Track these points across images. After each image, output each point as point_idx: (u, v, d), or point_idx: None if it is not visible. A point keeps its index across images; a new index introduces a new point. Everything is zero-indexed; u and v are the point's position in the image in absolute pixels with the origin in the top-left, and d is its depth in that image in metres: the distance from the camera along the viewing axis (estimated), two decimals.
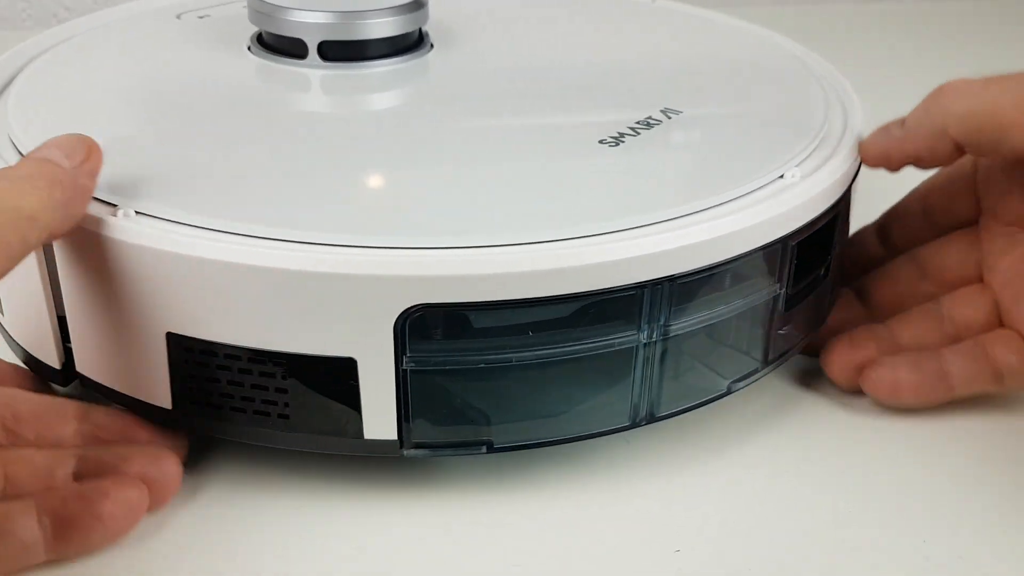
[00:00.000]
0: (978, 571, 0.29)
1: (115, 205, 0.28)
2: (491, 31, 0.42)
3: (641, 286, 0.28)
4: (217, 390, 0.29)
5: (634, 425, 0.30)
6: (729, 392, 0.32)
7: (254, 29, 0.39)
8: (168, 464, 0.29)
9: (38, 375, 0.32)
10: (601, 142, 0.32)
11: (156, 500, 0.29)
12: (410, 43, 0.38)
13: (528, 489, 0.31)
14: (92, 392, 0.31)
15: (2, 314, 0.33)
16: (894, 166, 0.34)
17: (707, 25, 0.44)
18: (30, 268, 0.30)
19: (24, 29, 0.72)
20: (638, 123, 0.33)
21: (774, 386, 0.35)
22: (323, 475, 0.31)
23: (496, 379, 0.28)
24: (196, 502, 0.30)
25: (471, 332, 0.27)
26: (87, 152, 0.28)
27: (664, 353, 0.29)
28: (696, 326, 0.30)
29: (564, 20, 0.44)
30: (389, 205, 0.29)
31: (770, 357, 0.33)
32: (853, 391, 0.35)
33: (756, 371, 0.32)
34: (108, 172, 0.29)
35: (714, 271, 0.29)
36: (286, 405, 0.28)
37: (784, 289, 0.32)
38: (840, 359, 0.35)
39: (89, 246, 0.28)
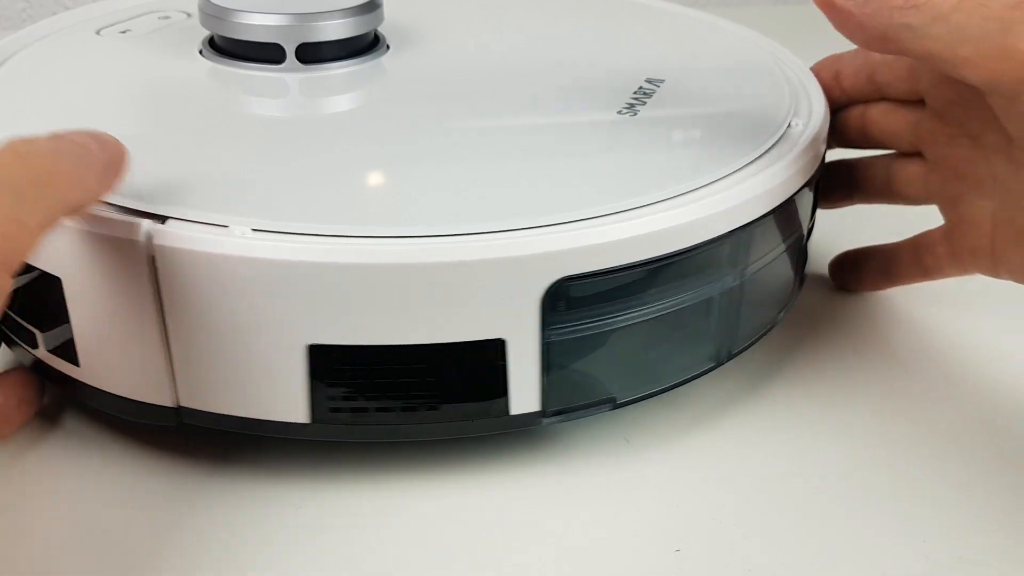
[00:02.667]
0: (978, 571, 0.29)
1: (223, 226, 0.28)
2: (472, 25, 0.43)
3: (735, 232, 0.31)
4: (363, 394, 0.29)
5: (717, 365, 0.33)
6: (776, 324, 0.35)
7: (182, 38, 0.39)
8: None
9: (137, 421, 0.31)
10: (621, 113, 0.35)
11: None
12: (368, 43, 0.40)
13: (528, 489, 0.31)
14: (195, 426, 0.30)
15: (76, 365, 0.31)
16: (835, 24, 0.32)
17: (672, 19, 0.46)
18: (134, 303, 0.29)
19: (24, 29, 0.71)
20: (642, 93, 0.36)
21: (774, 386, 0.36)
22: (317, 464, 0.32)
23: (618, 338, 0.30)
24: (200, 498, 0.30)
25: (602, 296, 0.29)
26: (116, 155, 0.28)
27: (741, 294, 0.32)
28: (761, 266, 0.33)
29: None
30: (506, 190, 0.30)
31: (801, 283, 0.36)
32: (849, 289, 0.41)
33: (792, 298, 0.36)
34: (171, 193, 0.29)
35: (775, 215, 0.32)
36: (435, 396, 0.29)
37: (811, 224, 0.36)
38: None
39: (203, 271, 0.28)
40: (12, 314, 0.33)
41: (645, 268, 0.29)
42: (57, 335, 0.31)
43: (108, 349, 0.30)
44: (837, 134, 0.38)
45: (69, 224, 0.29)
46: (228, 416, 0.30)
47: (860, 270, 0.40)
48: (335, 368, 0.29)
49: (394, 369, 0.29)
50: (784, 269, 0.35)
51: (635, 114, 0.35)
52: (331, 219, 0.28)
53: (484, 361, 0.29)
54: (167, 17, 0.43)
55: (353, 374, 0.29)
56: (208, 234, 0.28)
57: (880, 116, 0.37)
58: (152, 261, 0.28)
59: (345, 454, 0.32)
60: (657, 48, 0.41)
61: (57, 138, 0.27)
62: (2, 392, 0.33)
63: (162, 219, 0.28)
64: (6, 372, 0.34)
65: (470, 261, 0.28)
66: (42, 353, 0.32)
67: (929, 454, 0.33)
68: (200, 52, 0.39)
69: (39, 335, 0.32)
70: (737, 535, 0.30)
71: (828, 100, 0.37)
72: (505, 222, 0.28)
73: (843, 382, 0.36)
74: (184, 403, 0.30)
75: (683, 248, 0.29)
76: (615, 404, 0.31)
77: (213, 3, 0.37)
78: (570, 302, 0.29)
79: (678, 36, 0.43)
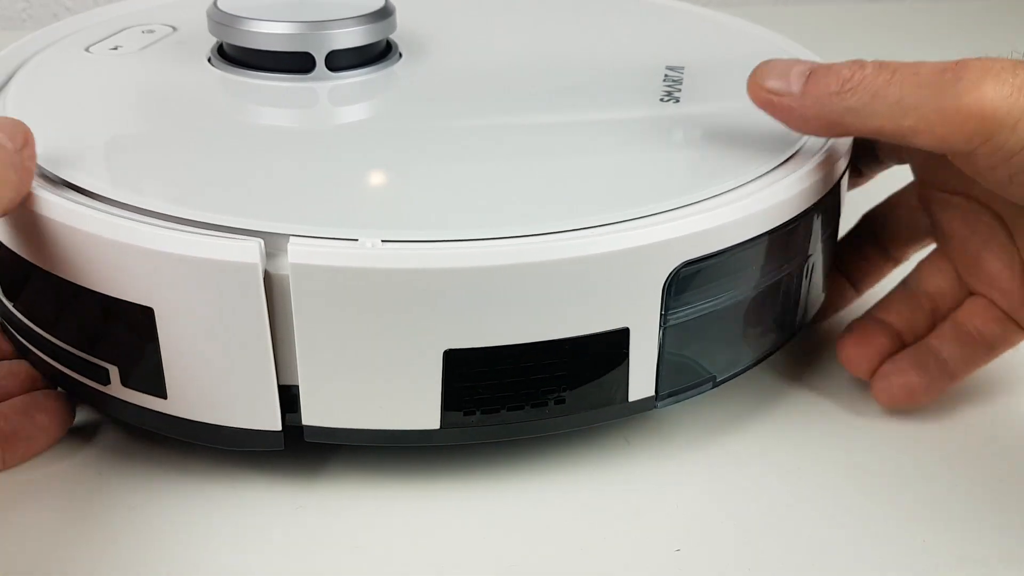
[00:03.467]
0: (978, 571, 0.29)
1: (353, 239, 0.27)
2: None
3: (825, 198, 0.32)
4: (495, 394, 0.29)
5: (791, 338, 0.34)
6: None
7: (182, 51, 0.38)
8: (43, 415, 0.32)
9: (232, 446, 0.30)
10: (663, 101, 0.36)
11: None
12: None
13: (528, 489, 0.31)
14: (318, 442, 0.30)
15: (162, 397, 0.30)
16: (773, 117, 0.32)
17: (686, 20, 0.46)
18: (241, 326, 0.27)
19: (24, 29, 0.72)
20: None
21: (773, 385, 0.36)
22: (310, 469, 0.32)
23: (723, 317, 0.31)
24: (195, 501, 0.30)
25: (714, 277, 0.30)
26: (25, 137, 0.29)
27: (812, 271, 0.34)
28: (831, 233, 0.35)
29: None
30: (611, 182, 0.30)
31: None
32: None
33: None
34: (282, 211, 0.28)
35: (835, 197, 0.34)
36: (562, 389, 0.29)
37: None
38: (857, 358, 0.35)
39: (336, 286, 0.27)
40: (68, 348, 0.31)
41: (755, 245, 0.30)
42: (138, 369, 0.29)
43: (205, 377, 0.29)
44: (848, 255, 0.37)
45: (160, 249, 0.27)
46: (357, 430, 0.29)
47: (912, 378, 0.35)
48: (469, 371, 0.28)
49: (526, 366, 0.29)
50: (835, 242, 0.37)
51: (677, 101, 0.35)
52: (456, 225, 0.28)
53: (610, 350, 0.29)
54: (151, 31, 0.41)
55: (486, 375, 0.28)
56: (338, 249, 0.27)
57: (886, 210, 0.37)
58: (268, 281, 0.27)
59: (342, 458, 0.32)
60: (672, 43, 0.42)
61: None
62: (24, 414, 0.32)
63: (284, 237, 0.27)
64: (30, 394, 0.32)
65: (599, 254, 0.28)
66: (114, 389, 0.30)
67: (929, 454, 0.33)
68: (210, 63, 0.37)
69: (113, 370, 0.30)
70: (737, 535, 0.30)
71: None
72: (624, 212, 0.28)
73: (842, 382, 0.36)
74: (309, 422, 0.29)
75: (787, 220, 0.30)
76: (715, 383, 0.32)
77: (229, 13, 0.36)
78: (688, 286, 0.29)
79: (686, 30, 0.44)
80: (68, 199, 0.29)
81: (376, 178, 0.31)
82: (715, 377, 0.32)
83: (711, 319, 0.31)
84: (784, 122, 0.30)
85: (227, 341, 0.28)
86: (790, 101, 0.30)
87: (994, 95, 0.27)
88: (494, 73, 0.38)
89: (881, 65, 0.28)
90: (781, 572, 0.29)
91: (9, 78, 0.37)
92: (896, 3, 0.80)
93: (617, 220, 0.28)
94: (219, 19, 0.36)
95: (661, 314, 0.29)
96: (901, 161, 0.36)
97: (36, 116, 0.32)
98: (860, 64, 0.29)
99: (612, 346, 0.29)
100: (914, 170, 0.35)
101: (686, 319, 0.30)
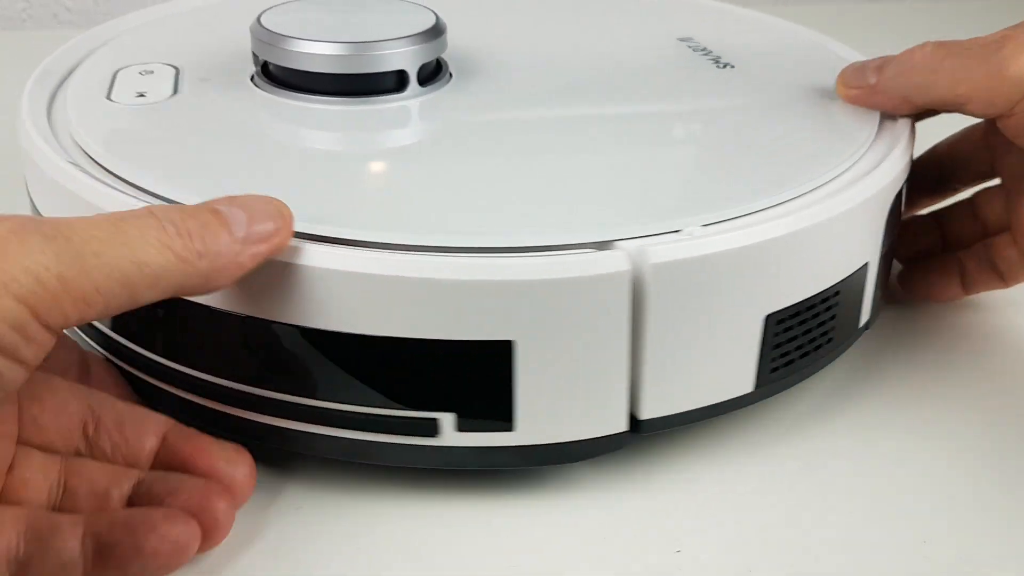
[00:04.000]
0: (978, 571, 0.29)
1: (676, 231, 0.29)
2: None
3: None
4: (797, 349, 0.32)
5: (866, 328, 0.37)
6: None
7: (217, 91, 0.37)
8: (219, 500, 0.28)
9: (578, 459, 0.31)
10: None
11: (207, 539, 0.28)
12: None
13: (527, 489, 0.32)
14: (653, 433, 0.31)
15: (508, 430, 0.29)
16: (863, 106, 0.37)
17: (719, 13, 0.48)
18: (602, 335, 0.29)
19: (24, 29, 0.72)
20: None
21: (905, 371, 0.37)
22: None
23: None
24: None
25: None
26: (275, 229, 0.27)
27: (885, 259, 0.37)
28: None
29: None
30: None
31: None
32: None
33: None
34: (586, 220, 0.30)
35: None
36: (832, 329, 0.33)
37: None
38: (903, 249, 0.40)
39: (676, 278, 0.29)
40: (377, 411, 0.30)
41: None
42: (483, 408, 0.29)
43: (562, 395, 0.30)
44: (914, 186, 0.39)
45: (523, 278, 0.28)
46: (689, 412, 0.31)
47: (933, 279, 0.40)
48: (781, 329, 0.31)
49: (820, 316, 0.32)
50: None
51: (723, 66, 0.40)
52: (757, 199, 0.31)
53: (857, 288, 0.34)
54: (150, 72, 0.38)
55: (792, 329, 0.32)
56: (676, 242, 0.29)
57: (952, 146, 0.40)
58: (634, 285, 0.28)
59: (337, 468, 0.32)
60: (723, 39, 0.44)
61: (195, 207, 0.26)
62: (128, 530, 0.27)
63: (610, 243, 0.29)
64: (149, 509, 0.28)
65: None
66: (443, 439, 0.30)
67: (929, 454, 0.34)
68: (265, 93, 0.36)
69: (447, 418, 0.29)
70: (736, 535, 0.30)
71: None
72: None
73: (842, 383, 0.37)
74: (647, 415, 0.31)
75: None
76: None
77: (309, 39, 0.35)
78: None
79: (727, 27, 0.46)
80: (369, 253, 0.28)
81: (639, 173, 0.33)
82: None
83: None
84: (870, 107, 0.37)
85: (587, 354, 0.29)
86: (871, 91, 0.36)
87: None
88: (541, 84, 0.39)
89: (938, 44, 0.34)
90: (780, 572, 0.29)
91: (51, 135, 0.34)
92: (896, 3, 0.81)
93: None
94: (303, 48, 0.35)
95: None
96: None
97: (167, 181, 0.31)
98: (921, 46, 0.34)
99: (859, 284, 0.34)
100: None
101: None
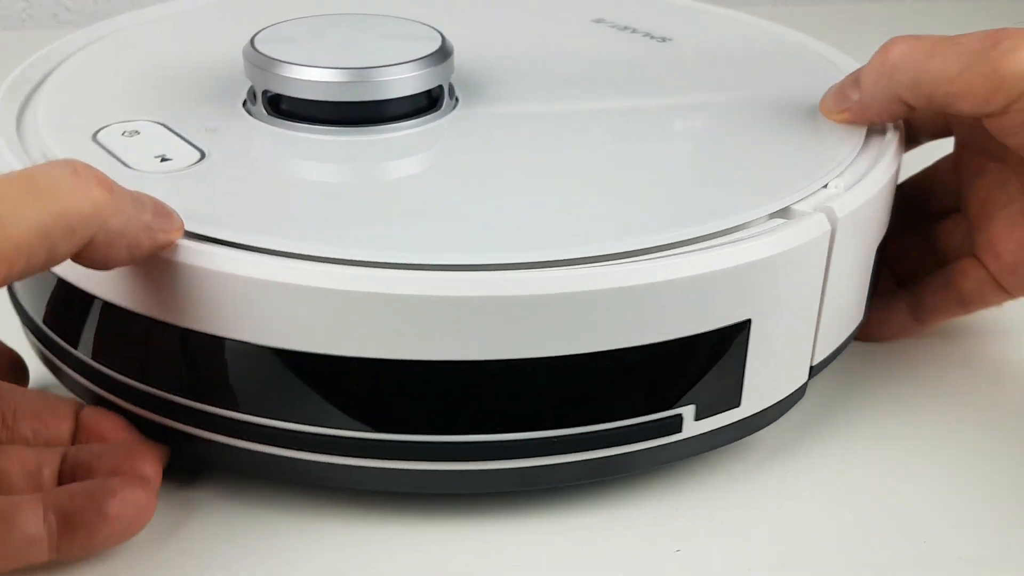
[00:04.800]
0: (978, 571, 0.29)
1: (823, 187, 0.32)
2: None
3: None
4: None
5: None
6: None
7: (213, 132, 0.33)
8: (145, 462, 0.29)
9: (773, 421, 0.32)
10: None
11: None
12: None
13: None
14: None
15: (736, 407, 0.30)
16: (857, 124, 0.35)
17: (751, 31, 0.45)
18: (805, 294, 0.30)
19: (24, 29, 0.73)
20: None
21: (897, 384, 0.37)
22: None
23: None
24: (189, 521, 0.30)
25: None
26: (171, 221, 0.27)
27: None
28: None
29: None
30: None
31: None
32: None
33: None
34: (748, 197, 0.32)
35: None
36: None
37: None
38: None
39: (850, 226, 0.31)
40: (619, 424, 0.29)
41: None
42: (717, 393, 0.30)
43: (779, 363, 0.31)
44: None
45: (759, 257, 0.29)
46: (838, 348, 0.34)
47: (884, 316, 0.38)
48: (879, 259, 0.35)
49: None
50: None
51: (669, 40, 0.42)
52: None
53: None
54: (136, 132, 0.33)
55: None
56: (837, 198, 0.31)
57: (921, 179, 0.39)
58: (830, 244, 0.30)
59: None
60: (719, 49, 0.42)
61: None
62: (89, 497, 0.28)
63: (802, 202, 0.31)
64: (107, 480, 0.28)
65: None
66: (687, 430, 0.30)
67: (929, 453, 0.33)
68: (286, 129, 0.33)
69: (688, 410, 0.30)
70: (736, 535, 0.30)
71: None
72: None
73: (843, 383, 0.37)
74: (816, 361, 0.32)
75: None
76: None
77: (350, 68, 0.33)
78: None
79: (728, 38, 0.44)
80: (579, 269, 0.27)
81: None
82: None
83: None
84: (863, 123, 0.35)
85: (794, 315, 0.31)
86: (860, 107, 0.34)
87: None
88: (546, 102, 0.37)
89: (913, 40, 0.32)
90: (780, 572, 0.29)
91: None
92: (896, 3, 0.80)
93: None
94: (336, 77, 0.32)
95: None
96: (936, 136, 0.38)
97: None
98: (892, 44, 0.33)
99: None
100: (957, 136, 0.37)
101: None
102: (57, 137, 0.32)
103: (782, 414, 0.32)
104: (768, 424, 0.32)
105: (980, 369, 0.38)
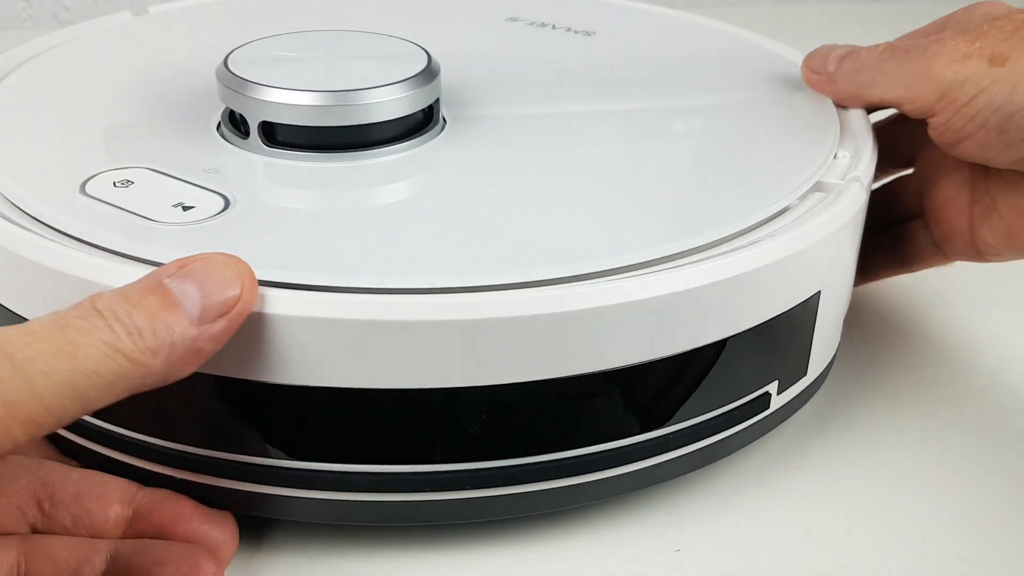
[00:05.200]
0: (978, 571, 0.29)
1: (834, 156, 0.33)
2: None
3: None
4: None
5: None
6: None
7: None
8: (208, 565, 0.26)
9: None
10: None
11: None
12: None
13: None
14: None
15: (805, 374, 0.31)
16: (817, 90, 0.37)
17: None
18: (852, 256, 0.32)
19: (24, 29, 0.73)
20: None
21: (896, 385, 0.37)
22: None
23: None
24: None
25: None
26: (234, 297, 0.24)
27: None
28: None
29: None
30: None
31: None
32: None
33: None
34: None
35: None
36: None
37: None
38: None
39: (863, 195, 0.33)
40: (701, 418, 0.30)
41: None
42: (795, 365, 0.31)
43: (833, 330, 0.33)
44: None
45: (827, 234, 0.30)
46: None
47: None
48: None
49: None
50: None
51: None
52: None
53: None
54: (130, 182, 0.30)
55: None
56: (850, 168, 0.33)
57: (885, 135, 0.38)
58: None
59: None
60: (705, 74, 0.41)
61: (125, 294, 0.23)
62: None
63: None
64: None
65: None
66: (774, 404, 0.31)
67: (928, 453, 0.34)
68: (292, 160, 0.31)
69: (773, 386, 0.31)
70: (736, 534, 0.30)
71: None
72: None
73: (835, 382, 0.36)
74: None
75: None
76: None
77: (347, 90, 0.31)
78: None
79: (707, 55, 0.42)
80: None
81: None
82: None
83: None
84: (827, 95, 0.37)
85: (848, 280, 0.32)
86: (827, 79, 0.36)
87: (948, 61, 0.32)
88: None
89: (887, 46, 0.34)
90: (780, 572, 0.29)
91: None
92: (896, 3, 0.80)
93: None
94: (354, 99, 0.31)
95: None
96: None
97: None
98: (875, 46, 0.35)
99: None
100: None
101: None
102: (39, 194, 0.28)
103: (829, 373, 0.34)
104: (821, 385, 0.33)
105: (978, 371, 0.38)
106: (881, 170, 0.38)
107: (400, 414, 0.26)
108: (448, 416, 0.26)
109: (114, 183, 0.29)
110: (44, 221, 0.27)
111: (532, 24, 0.42)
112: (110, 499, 0.27)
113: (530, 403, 0.27)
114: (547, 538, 0.30)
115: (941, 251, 0.37)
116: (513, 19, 0.42)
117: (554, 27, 0.41)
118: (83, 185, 0.29)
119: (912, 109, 0.33)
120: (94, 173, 0.29)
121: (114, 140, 0.31)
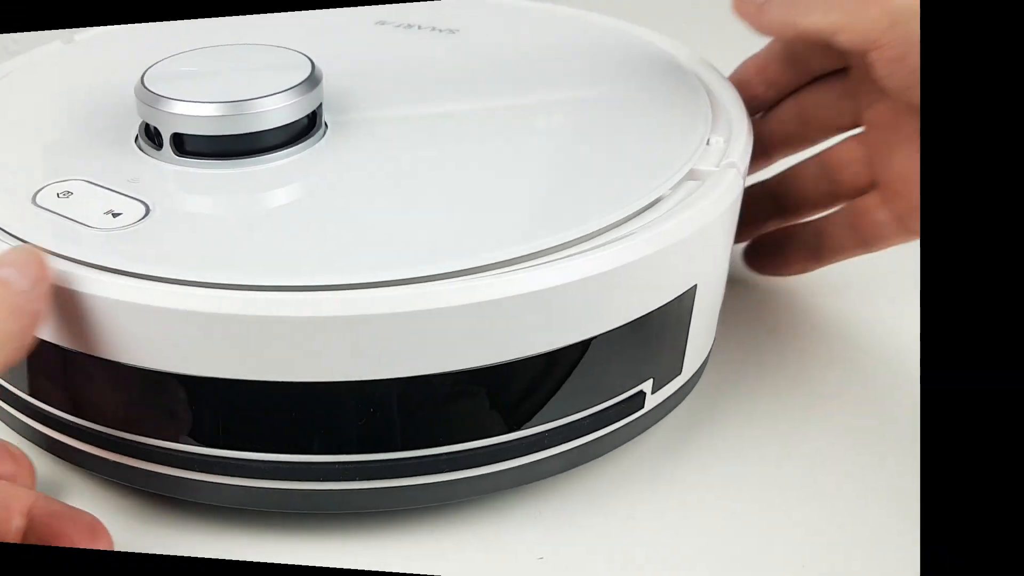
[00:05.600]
0: (856, 568, 0.29)
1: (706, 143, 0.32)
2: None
3: None
4: None
5: None
6: None
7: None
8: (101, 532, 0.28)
9: None
10: None
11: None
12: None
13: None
14: None
15: (679, 374, 0.30)
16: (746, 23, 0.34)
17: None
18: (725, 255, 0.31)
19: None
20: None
21: (772, 384, 0.36)
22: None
23: None
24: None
25: None
26: (41, 270, 0.27)
27: None
28: None
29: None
30: None
31: None
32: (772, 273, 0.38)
33: None
34: None
35: None
36: None
37: None
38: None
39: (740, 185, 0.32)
40: (586, 411, 0.29)
41: None
42: (669, 363, 0.30)
43: (708, 327, 0.32)
44: (773, 134, 0.37)
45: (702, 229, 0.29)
46: None
47: (784, 252, 0.38)
48: None
49: None
50: None
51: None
52: None
53: None
54: (70, 193, 0.32)
55: None
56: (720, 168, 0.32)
57: (814, 93, 0.36)
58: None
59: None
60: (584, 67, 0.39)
61: None
62: None
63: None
64: None
65: None
66: (649, 404, 0.30)
67: (804, 451, 0.33)
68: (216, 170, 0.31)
69: (648, 384, 0.30)
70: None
71: (757, 99, 0.37)
72: None
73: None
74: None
75: None
76: None
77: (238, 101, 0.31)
78: None
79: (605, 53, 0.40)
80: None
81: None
82: None
83: None
84: (753, 27, 0.33)
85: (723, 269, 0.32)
86: (758, 11, 0.33)
87: None
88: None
89: None
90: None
91: None
92: None
93: None
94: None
95: None
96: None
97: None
98: None
99: None
100: (853, 71, 0.35)
101: None
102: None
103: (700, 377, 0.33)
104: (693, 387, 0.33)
105: (856, 366, 0.37)
106: (808, 139, 0.36)
107: (262, 404, 0.27)
108: (315, 410, 0.27)
109: (57, 194, 0.31)
110: (6, 229, 0.30)
111: (399, 26, 0.41)
112: (13, 510, 0.27)
113: (394, 399, 0.27)
114: (413, 533, 0.29)
115: (905, 226, 0.34)
116: (382, 23, 0.42)
117: (419, 27, 0.41)
118: (34, 196, 0.31)
119: (850, 39, 0.30)
120: (42, 186, 0.31)
121: (55, 156, 0.33)
